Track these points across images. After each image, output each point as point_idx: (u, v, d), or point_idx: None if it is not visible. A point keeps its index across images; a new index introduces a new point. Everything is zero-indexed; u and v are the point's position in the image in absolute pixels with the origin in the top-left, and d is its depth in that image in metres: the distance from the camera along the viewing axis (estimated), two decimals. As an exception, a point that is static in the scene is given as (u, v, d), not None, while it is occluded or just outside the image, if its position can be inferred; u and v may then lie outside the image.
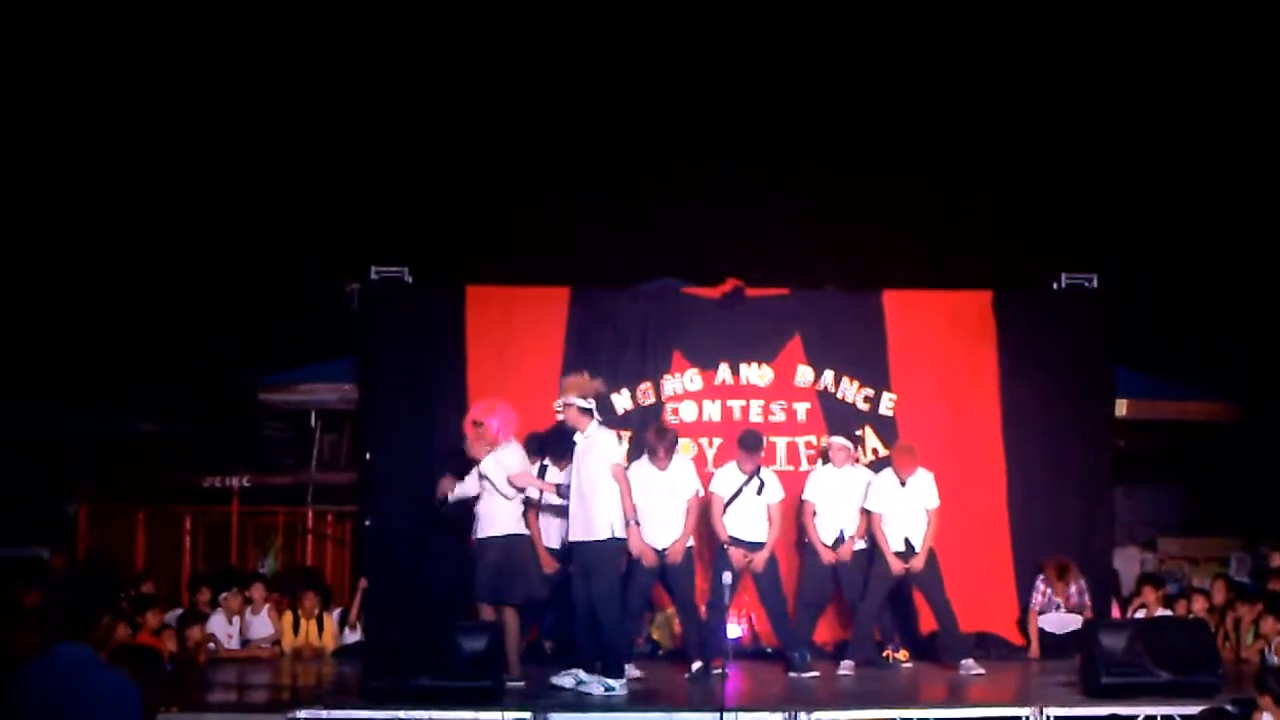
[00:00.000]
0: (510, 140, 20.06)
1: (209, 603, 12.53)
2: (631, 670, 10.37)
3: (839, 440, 11.69)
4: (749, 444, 11.21)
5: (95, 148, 18.80)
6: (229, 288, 19.54)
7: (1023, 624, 12.29)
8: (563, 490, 10.55)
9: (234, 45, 18.96)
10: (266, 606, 12.61)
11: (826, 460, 11.79)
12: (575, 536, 10.08)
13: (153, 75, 18.72)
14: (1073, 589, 12.11)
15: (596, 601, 9.88)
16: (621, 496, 9.96)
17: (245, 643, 12.38)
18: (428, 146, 20.00)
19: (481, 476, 10.41)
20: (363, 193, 19.48)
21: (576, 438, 10.25)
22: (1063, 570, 12.11)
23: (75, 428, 17.18)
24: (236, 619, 12.40)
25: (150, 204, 19.29)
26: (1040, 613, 12.15)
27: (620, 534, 9.95)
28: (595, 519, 9.94)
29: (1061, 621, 12.06)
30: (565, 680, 9.83)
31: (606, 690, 9.64)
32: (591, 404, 10.23)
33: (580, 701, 9.42)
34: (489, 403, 10.80)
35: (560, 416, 11.91)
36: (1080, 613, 12.01)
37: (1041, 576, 12.14)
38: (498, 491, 10.36)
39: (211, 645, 11.99)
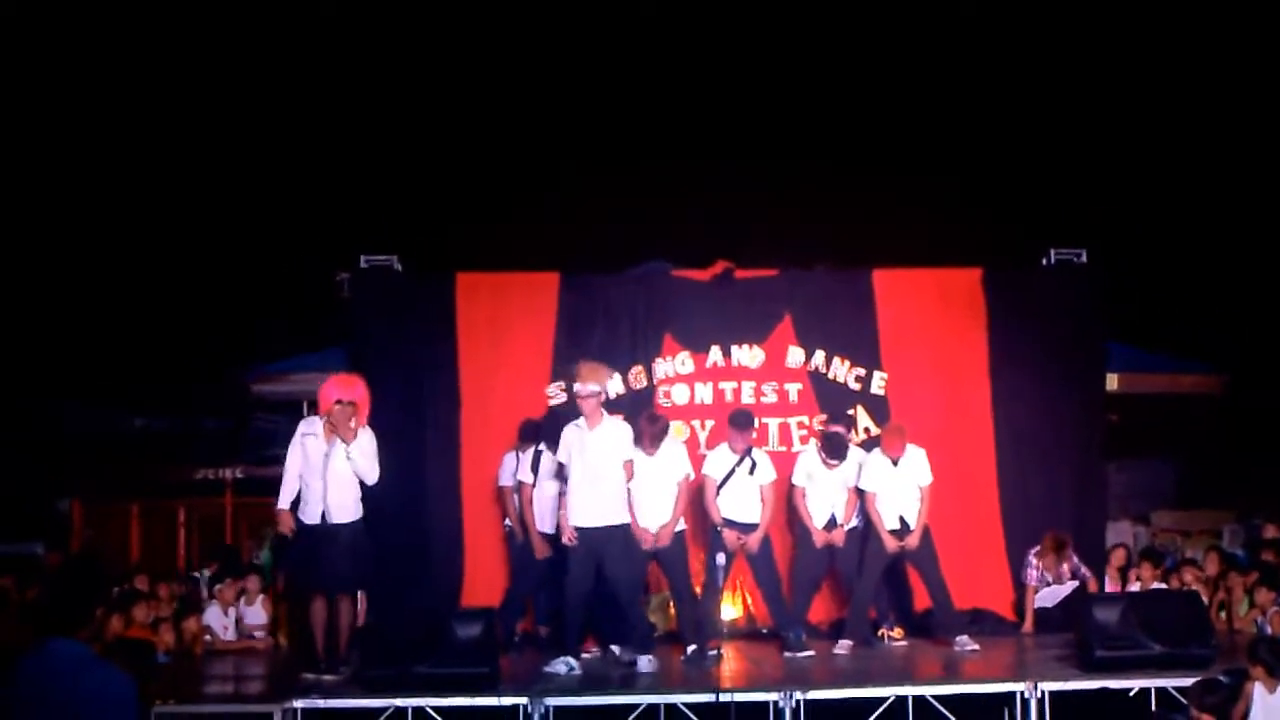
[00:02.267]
0: (497, 128, 20.07)
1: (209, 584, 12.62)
2: (626, 653, 10.44)
3: (834, 461, 11.40)
4: (740, 422, 11.22)
5: (83, 147, 18.80)
6: (219, 281, 19.53)
7: (1019, 602, 12.30)
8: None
9: (222, 40, 18.95)
10: (260, 597, 12.62)
11: (818, 442, 11.77)
12: (591, 522, 10.15)
13: (139, 71, 18.71)
14: (1065, 567, 12.11)
15: (622, 584, 10.17)
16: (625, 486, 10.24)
17: (241, 634, 12.39)
18: (415, 136, 19.99)
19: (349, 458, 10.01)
20: (351, 183, 19.47)
21: (580, 423, 10.31)
22: (1059, 544, 12.07)
23: (68, 424, 17.19)
24: (232, 610, 12.42)
25: (139, 200, 19.28)
26: (1035, 589, 12.16)
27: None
28: (615, 504, 10.20)
29: (1054, 594, 12.09)
30: (558, 668, 9.89)
31: (648, 666, 9.99)
32: (607, 391, 10.38)
33: (575, 686, 9.44)
34: (347, 380, 10.38)
35: (554, 402, 12.04)
36: (1084, 583, 12.02)
37: (1034, 551, 12.12)
38: (365, 475, 10.05)
39: (208, 637, 12.01)
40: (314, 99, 19.36)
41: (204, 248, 19.44)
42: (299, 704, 8.81)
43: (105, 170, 18.99)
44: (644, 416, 10.94)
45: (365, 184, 19.55)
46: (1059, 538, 12.05)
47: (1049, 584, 12.11)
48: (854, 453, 11.64)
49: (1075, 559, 12.13)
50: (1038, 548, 12.10)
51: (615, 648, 10.58)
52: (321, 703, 8.91)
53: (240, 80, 19.12)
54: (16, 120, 17.86)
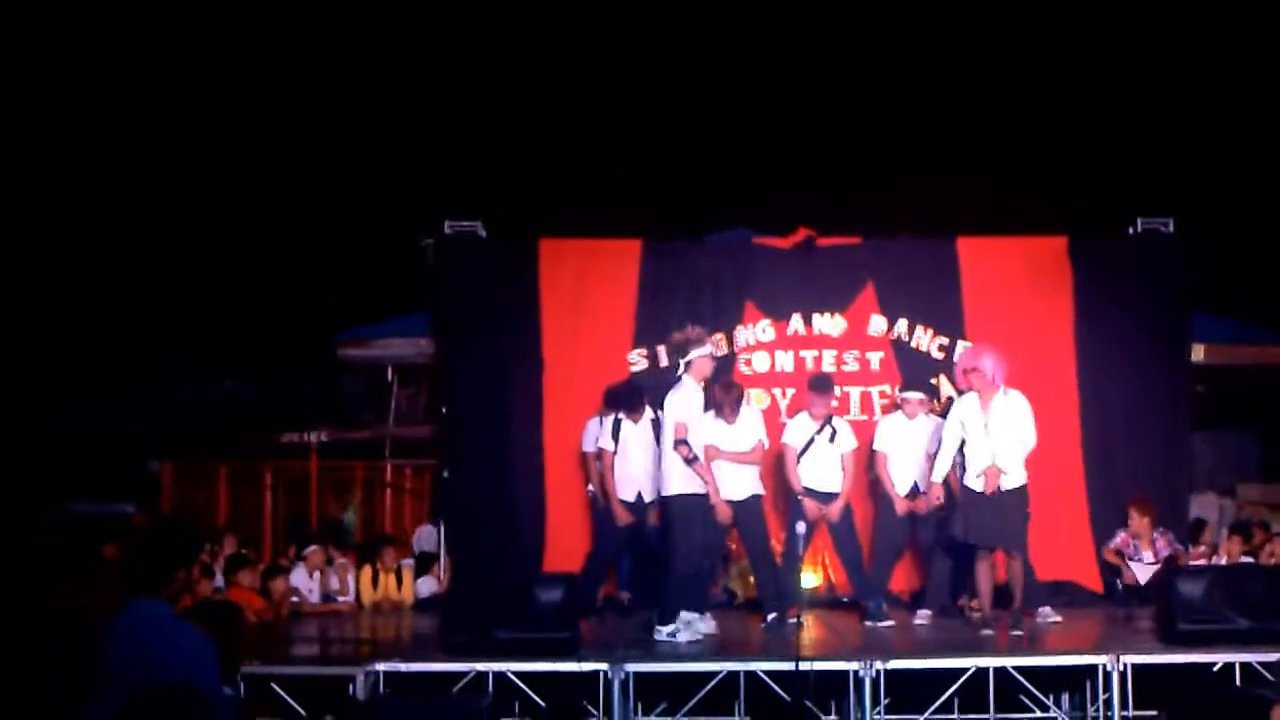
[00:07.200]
0: (581, 94, 20.06)
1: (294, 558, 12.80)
2: (707, 620, 10.46)
3: (914, 395, 11.53)
4: (820, 386, 11.21)
5: (179, 113, 19.06)
6: (307, 245, 19.73)
7: (1103, 572, 12.18)
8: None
9: (306, 6, 19.12)
10: (344, 562, 12.79)
11: (899, 409, 11.71)
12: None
13: (240, 36, 18.92)
14: (1159, 540, 11.97)
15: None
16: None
17: (326, 597, 12.56)
18: (502, 102, 20.05)
19: None
20: (437, 148, 19.57)
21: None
22: (1145, 508, 11.96)
23: (156, 388, 17.46)
24: (318, 574, 12.58)
25: (235, 167, 19.51)
26: (1118, 553, 12.02)
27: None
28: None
29: (1145, 572, 11.96)
30: (703, 626, 10.05)
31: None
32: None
33: (654, 652, 9.48)
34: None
35: (635, 368, 12.07)
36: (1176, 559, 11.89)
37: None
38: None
39: (294, 599, 12.18)
40: (402, 63, 19.46)
41: (293, 214, 19.62)
42: (381, 667, 8.88)
43: (200, 138, 19.23)
44: (719, 385, 10.91)
45: (452, 149, 19.64)
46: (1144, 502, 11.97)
47: (1136, 554, 11.97)
48: (933, 421, 11.55)
49: (1171, 536, 12.00)
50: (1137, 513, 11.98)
51: (694, 614, 10.61)
52: (404, 667, 8.98)
53: (326, 44, 19.26)
54: (117, 92, 18.13)
